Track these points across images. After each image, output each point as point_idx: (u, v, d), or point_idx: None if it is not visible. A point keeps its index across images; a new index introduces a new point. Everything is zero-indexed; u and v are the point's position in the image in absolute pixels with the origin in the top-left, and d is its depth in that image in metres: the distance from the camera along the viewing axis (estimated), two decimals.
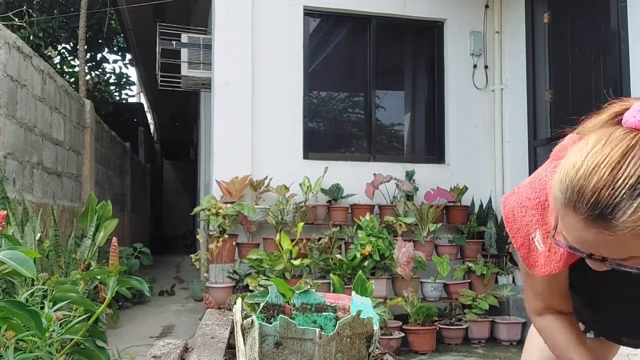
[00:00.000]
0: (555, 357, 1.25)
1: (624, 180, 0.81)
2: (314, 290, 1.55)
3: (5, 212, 2.06)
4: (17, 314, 1.33)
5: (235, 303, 1.39)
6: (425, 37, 5.66)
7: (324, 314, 1.48)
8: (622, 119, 0.89)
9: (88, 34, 8.38)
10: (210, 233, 4.55)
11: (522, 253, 1.11)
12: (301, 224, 4.33)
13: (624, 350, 1.39)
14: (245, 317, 1.29)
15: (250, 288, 4.02)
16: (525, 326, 4.45)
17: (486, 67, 5.48)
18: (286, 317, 1.22)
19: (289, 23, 5.08)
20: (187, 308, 5.87)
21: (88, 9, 7.32)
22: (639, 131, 0.85)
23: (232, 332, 2.10)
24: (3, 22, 5.56)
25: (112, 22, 9.91)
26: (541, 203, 1.08)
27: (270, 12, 5.04)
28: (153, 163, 15.14)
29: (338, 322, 1.25)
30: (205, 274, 4.70)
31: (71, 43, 9.94)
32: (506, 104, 5.40)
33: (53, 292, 1.83)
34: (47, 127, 4.91)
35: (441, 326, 4.32)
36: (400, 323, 4.25)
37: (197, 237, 4.98)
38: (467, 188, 5.06)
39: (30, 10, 7.88)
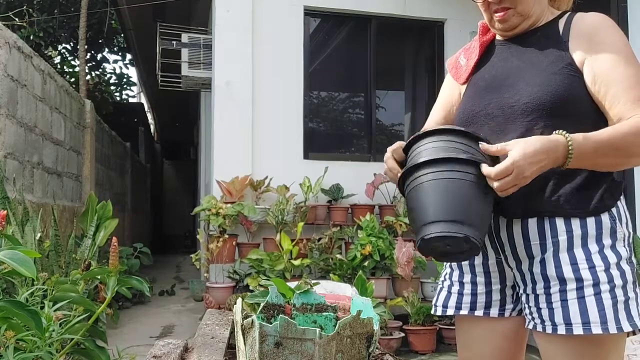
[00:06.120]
0: None
1: None
2: (314, 290, 1.55)
3: (5, 211, 2.06)
4: (17, 313, 1.33)
5: (235, 303, 1.38)
6: (426, 37, 5.66)
7: (324, 314, 1.48)
8: None
9: (88, 34, 8.37)
10: (211, 233, 4.55)
11: (452, 72, 1.49)
12: (301, 224, 4.33)
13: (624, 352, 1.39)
14: (245, 317, 1.29)
15: (251, 288, 4.01)
16: None
17: None
18: (286, 317, 1.22)
19: (289, 23, 5.08)
20: (187, 308, 5.87)
21: (88, 9, 7.32)
22: None
23: (232, 332, 2.10)
24: (3, 22, 5.56)
25: (113, 22, 9.91)
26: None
27: (271, 12, 5.03)
28: (153, 163, 15.14)
29: (338, 322, 1.25)
30: (205, 274, 4.70)
31: (71, 43, 9.94)
32: None
33: (53, 292, 1.83)
34: (47, 127, 4.91)
35: (441, 326, 4.31)
36: (401, 323, 4.25)
37: (197, 237, 4.98)
38: None
39: (31, 10, 7.87)
